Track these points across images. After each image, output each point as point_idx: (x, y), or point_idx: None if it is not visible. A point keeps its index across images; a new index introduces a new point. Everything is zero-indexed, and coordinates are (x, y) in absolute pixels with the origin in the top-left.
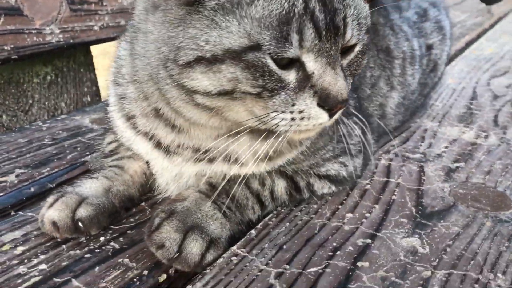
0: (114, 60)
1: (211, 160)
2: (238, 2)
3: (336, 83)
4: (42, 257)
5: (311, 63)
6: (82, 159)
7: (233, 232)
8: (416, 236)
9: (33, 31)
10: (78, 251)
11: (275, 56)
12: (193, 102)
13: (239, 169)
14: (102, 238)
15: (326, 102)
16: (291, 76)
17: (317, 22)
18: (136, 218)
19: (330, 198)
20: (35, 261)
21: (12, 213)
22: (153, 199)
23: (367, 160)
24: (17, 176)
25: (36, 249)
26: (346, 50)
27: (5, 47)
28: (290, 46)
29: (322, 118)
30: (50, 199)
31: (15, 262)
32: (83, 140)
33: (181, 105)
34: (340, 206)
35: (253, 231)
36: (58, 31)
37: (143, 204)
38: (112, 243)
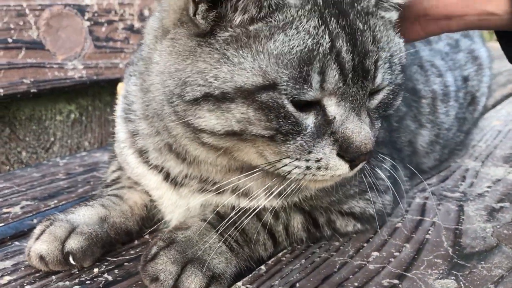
0: (124, 96)
1: (219, 192)
2: (255, 35)
3: (360, 131)
4: (27, 287)
5: (333, 107)
6: (93, 193)
7: (240, 269)
8: (452, 277)
9: (54, 66)
10: (67, 283)
11: (290, 98)
12: (199, 140)
13: (249, 202)
14: (96, 270)
15: (348, 152)
16: (309, 120)
17: (343, 63)
18: (137, 250)
19: (354, 235)
20: None
21: (9, 243)
22: (158, 231)
23: (399, 198)
24: (22, 207)
25: (24, 279)
26: (375, 91)
27: (25, 80)
28: (309, 88)
29: (341, 169)
30: (37, 229)
31: None
32: (98, 175)
33: (187, 143)
34: (365, 244)
35: (263, 267)
36: (81, 66)
37: (146, 236)
38: (105, 275)
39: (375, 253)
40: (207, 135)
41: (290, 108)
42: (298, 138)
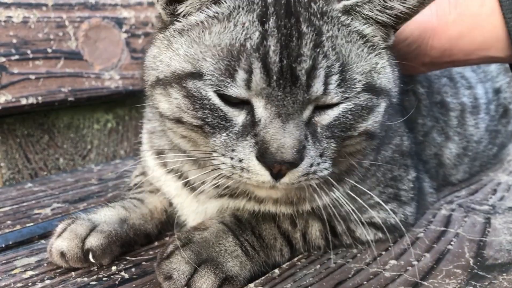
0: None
1: (232, 195)
2: (195, 25)
3: (280, 138)
4: (47, 282)
5: (261, 109)
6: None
7: (254, 273)
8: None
9: (91, 75)
10: (85, 279)
11: (215, 90)
12: (166, 127)
13: (259, 206)
14: (113, 268)
15: (263, 157)
16: (240, 118)
17: (268, 64)
18: (156, 251)
19: (374, 243)
20: (39, 285)
21: (36, 242)
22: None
23: (423, 208)
24: (52, 209)
25: (45, 275)
26: (329, 106)
27: (62, 89)
28: (233, 84)
29: (263, 176)
30: (59, 227)
31: (19, 285)
32: (128, 181)
33: (167, 132)
34: (384, 252)
35: (276, 270)
36: (118, 77)
37: (167, 238)
38: (122, 273)
39: (393, 261)
40: (167, 120)
41: (216, 100)
42: (224, 134)
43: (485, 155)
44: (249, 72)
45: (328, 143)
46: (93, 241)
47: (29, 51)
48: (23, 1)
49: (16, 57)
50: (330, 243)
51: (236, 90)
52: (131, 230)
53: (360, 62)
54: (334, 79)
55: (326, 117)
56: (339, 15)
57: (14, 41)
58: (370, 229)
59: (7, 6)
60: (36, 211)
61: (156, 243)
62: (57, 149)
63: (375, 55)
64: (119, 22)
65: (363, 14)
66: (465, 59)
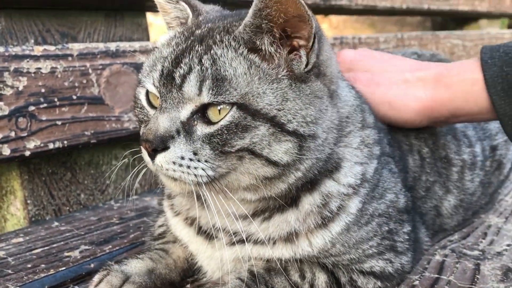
0: None
1: (243, 241)
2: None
3: (151, 123)
4: None
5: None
6: (143, 239)
7: None
8: None
9: (112, 118)
10: None
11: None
12: None
13: (264, 250)
14: None
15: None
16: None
17: (162, 69)
18: None
19: None
20: None
21: (69, 286)
22: (199, 281)
23: (419, 255)
24: (81, 252)
25: None
26: (212, 123)
27: (86, 132)
28: (148, 79)
29: (145, 155)
30: (96, 278)
31: None
32: (147, 221)
33: None
34: None
35: None
36: (136, 118)
37: (188, 286)
38: None
39: None
40: None
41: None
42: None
43: (478, 204)
44: (153, 71)
45: (203, 146)
46: None
47: (56, 99)
48: (51, 53)
49: (45, 105)
50: None
51: (149, 85)
52: (158, 279)
53: (240, 81)
54: (207, 83)
55: (207, 128)
56: (231, 41)
57: (43, 90)
58: (370, 278)
59: (36, 58)
60: (66, 254)
61: None
62: (78, 185)
63: (259, 80)
64: (138, 67)
65: (245, 41)
66: (457, 121)
